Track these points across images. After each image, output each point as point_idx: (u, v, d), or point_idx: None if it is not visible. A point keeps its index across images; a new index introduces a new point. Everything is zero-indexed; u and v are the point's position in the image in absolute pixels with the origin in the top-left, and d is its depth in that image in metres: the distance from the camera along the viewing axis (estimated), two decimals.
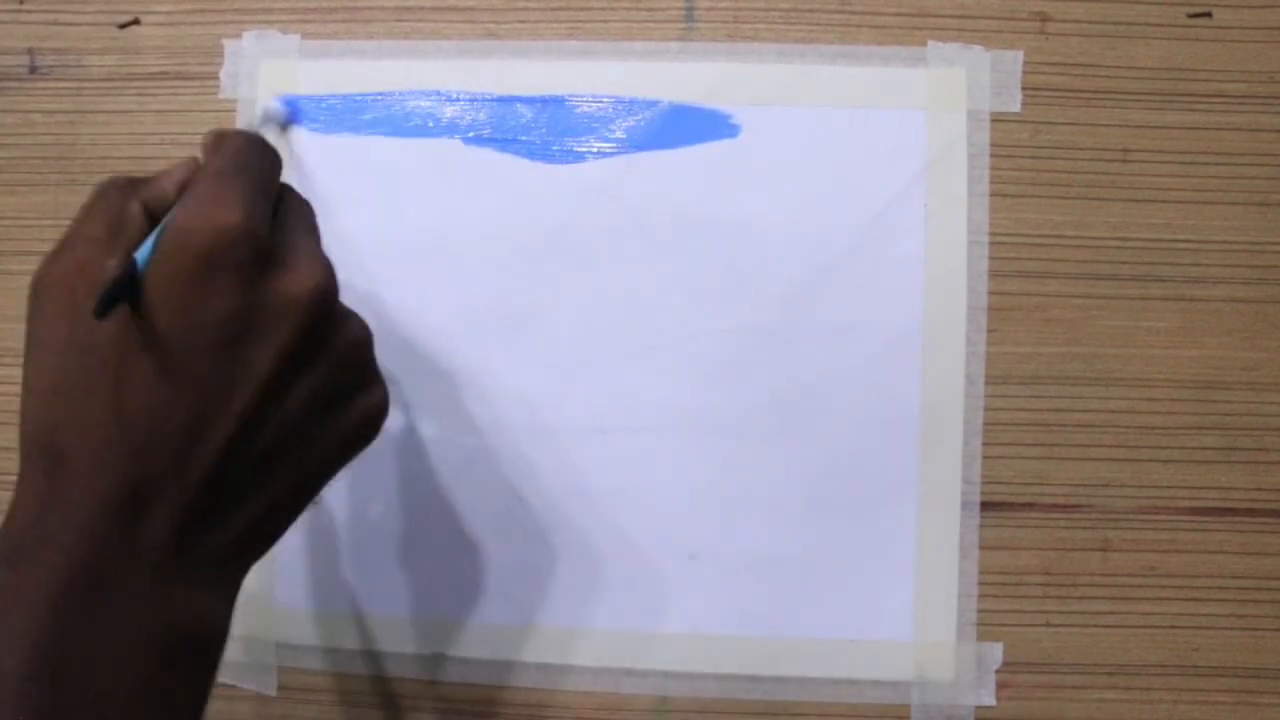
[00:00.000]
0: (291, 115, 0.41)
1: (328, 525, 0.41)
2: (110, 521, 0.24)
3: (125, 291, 0.24)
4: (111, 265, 0.24)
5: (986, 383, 0.40)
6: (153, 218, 0.27)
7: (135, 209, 0.27)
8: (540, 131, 0.41)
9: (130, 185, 0.28)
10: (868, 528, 0.39)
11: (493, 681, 0.40)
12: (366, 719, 0.40)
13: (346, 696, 0.41)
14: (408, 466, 0.40)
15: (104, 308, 0.23)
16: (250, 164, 0.28)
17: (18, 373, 0.41)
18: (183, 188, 0.28)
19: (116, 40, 0.42)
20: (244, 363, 0.25)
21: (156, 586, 0.24)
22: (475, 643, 0.40)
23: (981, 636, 0.39)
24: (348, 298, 0.29)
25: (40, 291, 0.26)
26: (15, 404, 0.42)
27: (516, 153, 0.41)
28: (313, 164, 0.41)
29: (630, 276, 0.40)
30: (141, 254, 0.25)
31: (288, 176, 0.31)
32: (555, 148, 0.41)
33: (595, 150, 0.41)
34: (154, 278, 0.25)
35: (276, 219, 0.28)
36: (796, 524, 0.40)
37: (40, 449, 0.25)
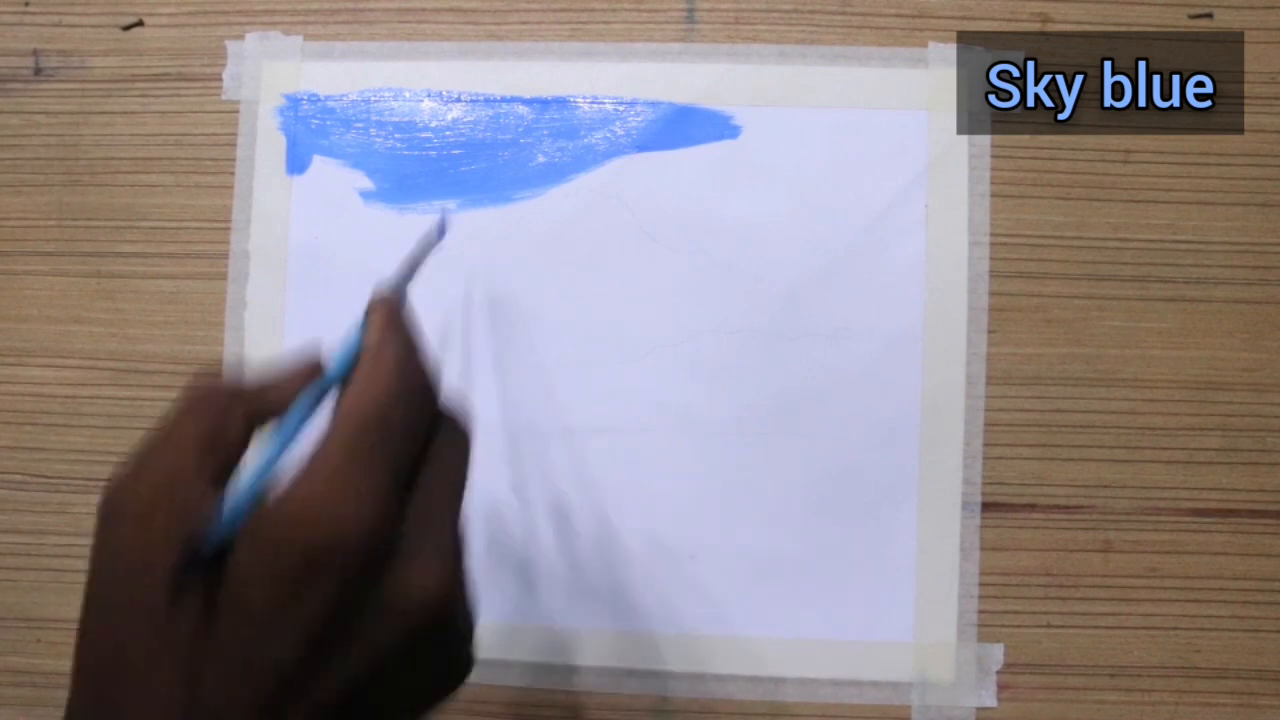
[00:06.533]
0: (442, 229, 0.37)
1: None
2: None
3: (204, 567, 0.21)
4: (202, 490, 0.21)
5: (987, 383, 0.40)
6: (251, 428, 0.23)
7: (236, 423, 0.23)
8: (541, 132, 0.41)
9: (234, 392, 0.24)
10: (868, 528, 0.39)
11: (493, 681, 0.40)
12: None
13: None
14: None
15: (177, 590, 0.21)
16: (397, 419, 0.22)
17: (18, 372, 0.42)
18: (295, 395, 0.24)
19: (120, 42, 0.42)
20: (329, 666, 0.21)
21: None
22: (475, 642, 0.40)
23: (982, 637, 0.39)
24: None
25: (111, 514, 0.22)
26: (15, 404, 0.42)
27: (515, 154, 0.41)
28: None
29: (630, 276, 0.40)
30: (234, 502, 0.21)
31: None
32: (555, 149, 0.41)
33: (596, 151, 0.41)
34: (244, 553, 0.21)
35: (417, 481, 0.23)
36: (797, 524, 0.39)
37: (84, 706, 0.22)
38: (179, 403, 0.23)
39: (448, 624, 0.23)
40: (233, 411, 0.23)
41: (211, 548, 0.21)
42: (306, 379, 0.25)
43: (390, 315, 0.25)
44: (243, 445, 0.23)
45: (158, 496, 0.22)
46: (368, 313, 0.25)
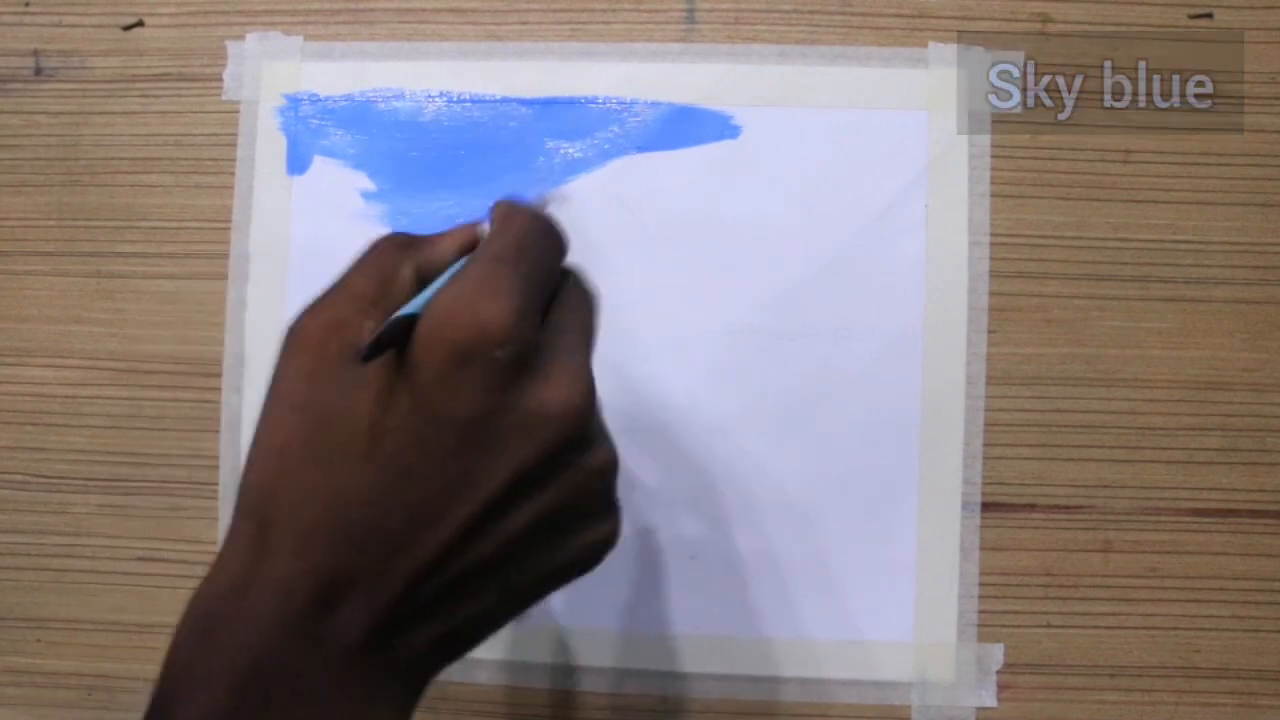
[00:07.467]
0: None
1: None
2: (304, 608, 0.23)
3: (394, 344, 0.23)
4: (371, 327, 0.23)
5: (987, 383, 0.40)
6: (423, 282, 0.26)
7: (407, 272, 0.26)
8: (541, 132, 0.41)
9: (406, 245, 0.27)
10: (868, 528, 0.39)
11: (493, 681, 0.40)
12: None
13: None
14: None
15: (370, 355, 0.22)
16: (531, 251, 0.26)
17: (18, 372, 0.42)
18: (461, 254, 0.27)
19: (121, 42, 0.42)
20: (476, 471, 0.23)
21: (339, 682, 0.23)
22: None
23: (982, 637, 0.39)
24: None
25: (292, 342, 0.25)
26: (15, 404, 0.42)
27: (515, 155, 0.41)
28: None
29: (630, 277, 0.40)
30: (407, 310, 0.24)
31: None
32: (555, 149, 0.41)
33: (596, 151, 0.41)
34: (412, 347, 0.23)
35: (549, 317, 0.26)
36: (796, 524, 0.40)
37: (252, 509, 0.24)
38: (359, 255, 0.26)
39: (581, 450, 0.25)
40: (403, 263, 0.26)
41: (396, 327, 0.23)
42: (467, 243, 0.28)
43: (517, 201, 0.28)
44: (410, 293, 0.25)
45: (330, 330, 0.24)
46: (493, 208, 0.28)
